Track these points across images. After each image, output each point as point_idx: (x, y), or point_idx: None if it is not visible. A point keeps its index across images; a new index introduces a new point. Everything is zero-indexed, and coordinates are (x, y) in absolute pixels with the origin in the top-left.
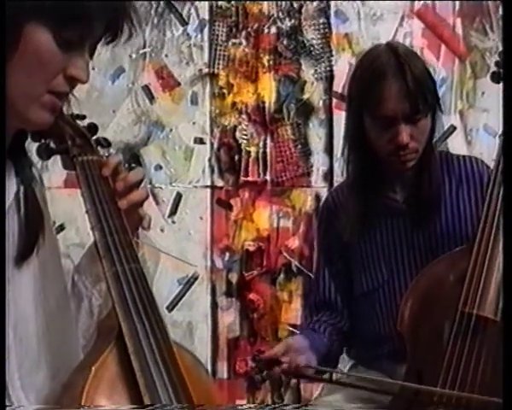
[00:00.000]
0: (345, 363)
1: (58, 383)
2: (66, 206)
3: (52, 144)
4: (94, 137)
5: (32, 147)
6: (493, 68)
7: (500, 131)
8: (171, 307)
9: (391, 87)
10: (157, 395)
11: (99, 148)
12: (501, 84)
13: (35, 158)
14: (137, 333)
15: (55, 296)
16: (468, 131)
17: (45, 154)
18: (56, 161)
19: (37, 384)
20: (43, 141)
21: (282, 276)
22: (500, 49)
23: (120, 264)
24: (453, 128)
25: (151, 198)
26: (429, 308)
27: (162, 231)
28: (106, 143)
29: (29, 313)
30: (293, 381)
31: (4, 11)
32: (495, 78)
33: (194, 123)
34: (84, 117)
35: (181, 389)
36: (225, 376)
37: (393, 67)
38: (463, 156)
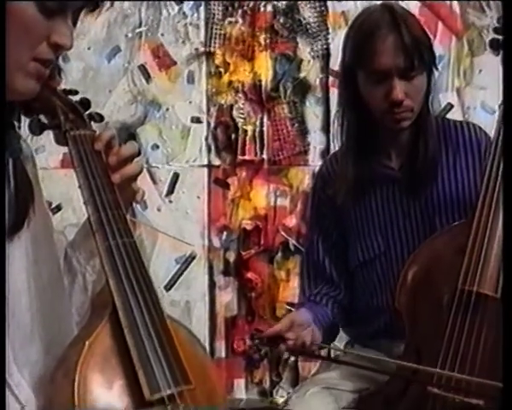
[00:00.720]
0: (341, 341)
1: (52, 358)
2: (63, 186)
3: (44, 119)
4: (86, 112)
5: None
6: (492, 36)
7: (498, 104)
8: (168, 287)
9: (385, 40)
10: (151, 370)
11: (92, 123)
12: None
13: (27, 134)
14: (131, 308)
15: (48, 271)
16: (466, 109)
17: (37, 129)
18: (53, 143)
19: (31, 358)
20: (35, 116)
21: (279, 254)
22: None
23: (113, 238)
24: (450, 106)
25: (148, 178)
26: (428, 284)
27: (159, 210)
28: (99, 118)
29: (21, 286)
30: (292, 358)
31: (4, 11)
32: (494, 45)
33: (190, 102)
34: (76, 92)
35: (176, 365)
36: (223, 355)
37: (388, 22)
38: (461, 122)
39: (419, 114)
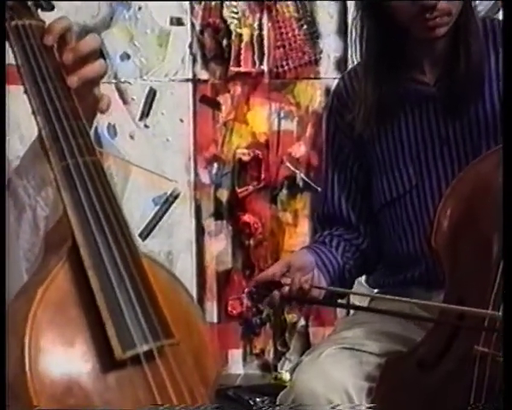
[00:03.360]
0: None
1: None
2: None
3: None
4: None
5: None
6: None
7: None
8: (145, 234)
9: None
10: (123, 321)
11: (39, 11)
12: None
13: None
14: (96, 243)
15: None
16: None
17: None
18: None
19: None
20: None
21: (284, 192)
22: None
23: (72, 156)
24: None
25: (116, 96)
26: (472, 220)
27: (132, 137)
28: (48, 6)
29: None
30: (301, 323)
31: (4, 11)
32: None
33: None
34: None
35: (154, 315)
36: (215, 319)
37: None
38: None
39: (459, 15)
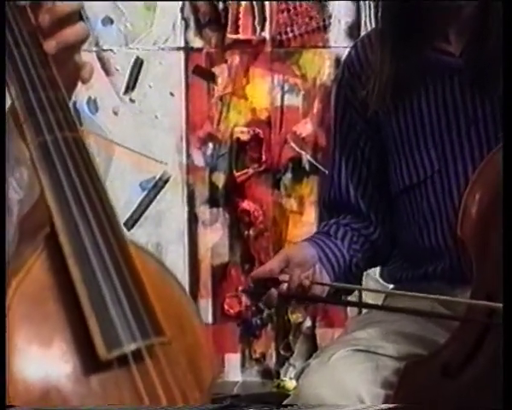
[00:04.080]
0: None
1: None
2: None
3: None
4: None
5: None
6: None
7: None
8: (131, 223)
9: None
10: (108, 317)
11: None
12: None
13: None
14: (78, 229)
15: None
16: None
17: None
18: None
19: None
20: None
21: (288, 175)
22: None
23: (50, 131)
24: None
25: (98, 66)
26: None
27: (115, 113)
28: None
29: None
30: (307, 324)
31: (4, 11)
32: None
33: None
34: None
35: (143, 310)
36: (210, 319)
37: None
38: None
39: None
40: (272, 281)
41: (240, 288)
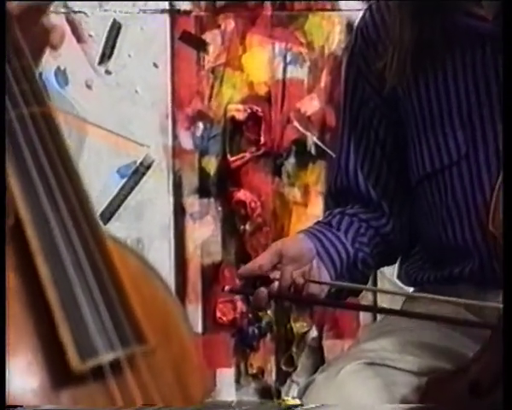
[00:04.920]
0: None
1: None
2: None
3: None
4: None
5: None
6: None
7: None
8: (107, 216)
9: None
10: (82, 323)
11: None
12: None
13: None
14: (47, 221)
15: None
16: None
17: None
18: None
19: None
20: None
21: (291, 161)
22: None
23: (15, 106)
24: None
25: (69, 32)
26: None
27: (89, 87)
28: None
29: None
30: (312, 335)
31: (4, 11)
32: None
33: None
34: None
35: (123, 315)
36: (199, 329)
37: None
38: None
39: None
40: (262, 279)
41: (226, 287)
